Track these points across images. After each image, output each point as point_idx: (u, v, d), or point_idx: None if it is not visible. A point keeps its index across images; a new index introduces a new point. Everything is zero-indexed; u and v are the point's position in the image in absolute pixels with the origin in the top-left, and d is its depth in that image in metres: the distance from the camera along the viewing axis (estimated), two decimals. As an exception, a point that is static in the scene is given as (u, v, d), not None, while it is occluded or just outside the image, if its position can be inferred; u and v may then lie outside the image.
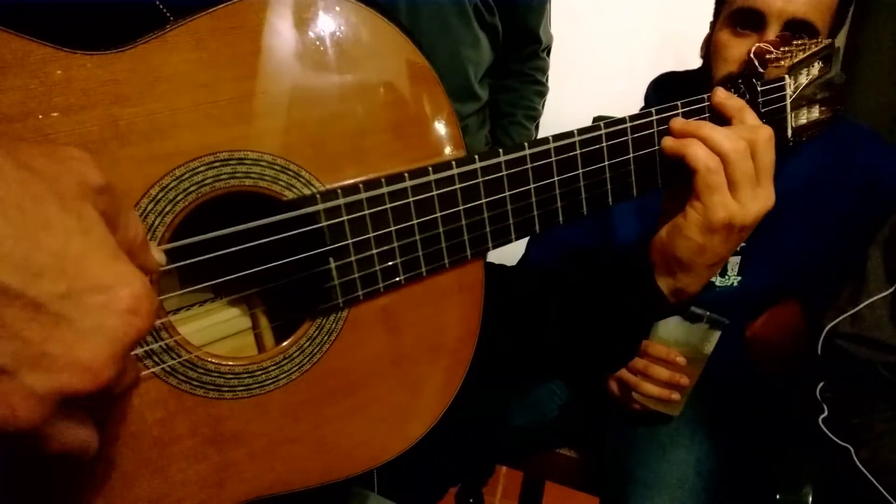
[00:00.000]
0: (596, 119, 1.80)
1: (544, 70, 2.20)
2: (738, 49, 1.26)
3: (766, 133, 0.76)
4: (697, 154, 0.74)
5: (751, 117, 0.77)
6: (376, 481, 0.94)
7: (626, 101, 1.49)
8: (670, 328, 1.26)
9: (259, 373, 0.63)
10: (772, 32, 1.22)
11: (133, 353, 0.41)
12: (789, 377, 1.30)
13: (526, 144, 0.70)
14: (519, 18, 2.03)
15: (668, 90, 1.46)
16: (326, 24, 0.62)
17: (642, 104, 1.50)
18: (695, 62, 1.45)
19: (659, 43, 2.42)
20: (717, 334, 1.24)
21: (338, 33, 0.63)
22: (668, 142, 0.76)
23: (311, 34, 0.61)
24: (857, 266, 1.16)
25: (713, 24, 1.37)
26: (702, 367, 1.26)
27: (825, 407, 1.13)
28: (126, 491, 0.58)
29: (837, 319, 1.12)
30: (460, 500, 1.72)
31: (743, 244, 1.34)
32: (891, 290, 1.10)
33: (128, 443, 0.58)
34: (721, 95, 0.78)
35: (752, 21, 1.25)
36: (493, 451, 1.50)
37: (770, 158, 0.76)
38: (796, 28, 1.22)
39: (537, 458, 1.48)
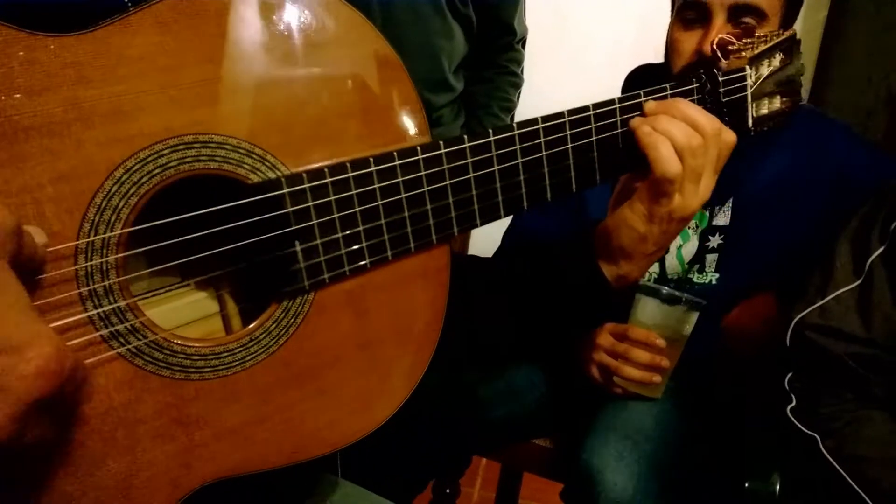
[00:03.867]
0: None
1: (519, 61, 2.20)
2: (687, 43, 1.27)
3: (729, 139, 0.79)
4: (660, 156, 0.76)
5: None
6: (339, 468, 0.95)
7: (606, 93, 1.49)
8: (649, 311, 1.27)
9: (225, 354, 0.64)
10: (718, 21, 1.22)
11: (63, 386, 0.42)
12: (759, 370, 1.31)
13: (491, 131, 0.72)
14: (493, 10, 2.03)
15: (641, 83, 1.46)
16: (292, 10, 0.63)
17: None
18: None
19: (638, 35, 2.42)
20: (695, 315, 1.25)
21: (303, 19, 0.64)
22: (639, 127, 0.79)
23: (276, 19, 0.63)
24: (825, 258, 1.18)
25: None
26: (681, 348, 1.28)
27: (793, 397, 1.14)
28: (94, 470, 0.58)
29: (806, 311, 1.13)
30: (437, 491, 1.72)
31: (720, 241, 1.36)
32: (857, 282, 1.11)
33: (95, 423, 0.58)
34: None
35: (697, 14, 1.25)
36: (471, 442, 1.50)
37: (714, 151, 0.78)
38: (742, 13, 1.21)
39: (514, 448, 1.49)
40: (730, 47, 0.86)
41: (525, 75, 2.25)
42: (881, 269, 1.10)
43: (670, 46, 1.32)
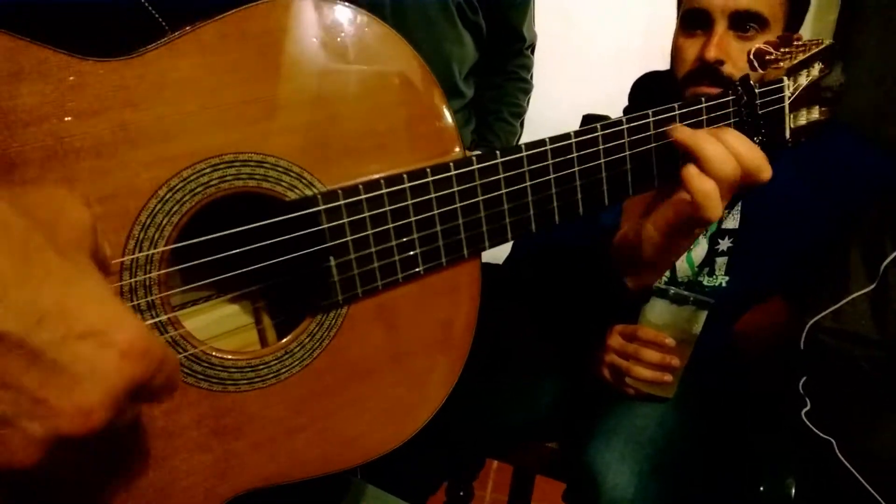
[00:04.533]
0: (585, 117, 1.84)
1: (528, 68, 2.23)
2: (690, 50, 1.28)
3: (764, 176, 0.80)
4: (701, 187, 0.77)
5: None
6: (359, 473, 0.96)
7: (614, 98, 1.51)
8: (658, 311, 1.28)
9: (261, 367, 0.65)
10: (720, 28, 1.23)
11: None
12: (770, 373, 1.32)
13: (523, 146, 0.72)
14: (502, 17, 2.06)
15: (646, 91, 1.48)
16: (328, 30, 0.64)
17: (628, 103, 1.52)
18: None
19: (646, 40, 2.43)
20: (704, 314, 1.26)
21: (339, 38, 0.65)
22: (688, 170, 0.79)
23: (314, 39, 0.63)
24: (838, 262, 1.19)
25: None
26: (691, 347, 1.28)
27: (808, 400, 1.15)
28: (132, 480, 0.60)
29: (820, 315, 1.14)
30: (451, 493, 1.74)
31: (730, 244, 1.37)
32: (871, 286, 1.12)
33: (134, 434, 0.60)
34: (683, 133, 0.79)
35: (699, 21, 1.27)
36: (484, 446, 1.52)
37: (745, 190, 0.80)
38: (744, 20, 1.23)
39: (526, 451, 1.50)
40: (767, 57, 0.86)
41: (534, 81, 2.27)
42: (895, 273, 1.11)
43: (674, 53, 1.34)
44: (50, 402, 0.38)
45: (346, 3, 0.65)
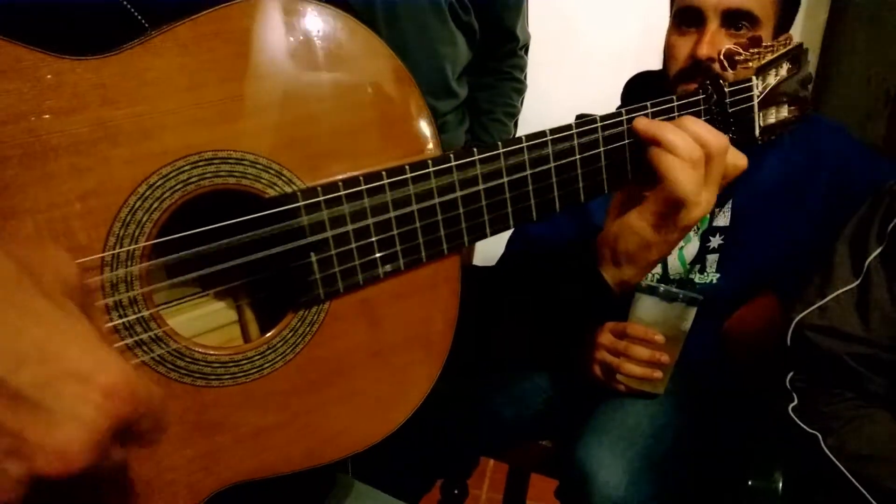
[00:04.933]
0: (578, 117, 1.84)
1: (522, 68, 2.23)
2: (683, 47, 1.31)
3: (737, 162, 0.81)
4: (672, 166, 0.78)
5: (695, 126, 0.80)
6: (349, 467, 0.97)
7: (609, 98, 1.52)
8: (647, 308, 1.29)
9: (244, 362, 0.66)
10: (712, 26, 1.26)
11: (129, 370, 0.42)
12: (760, 369, 1.33)
13: (500, 143, 0.73)
14: (495, 17, 2.06)
15: (637, 91, 1.50)
16: (305, 29, 0.65)
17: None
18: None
19: (642, 40, 2.45)
20: (693, 311, 1.27)
21: (316, 37, 0.66)
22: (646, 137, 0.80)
23: (291, 39, 0.65)
24: (824, 259, 1.20)
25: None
26: (681, 344, 1.30)
27: (795, 396, 1.17)
28: (117, 475, 0.61)
29: (805, 312, 1.16)
30: (445, 491, 1.74)
31: (721, 242, 1.38)
32: (856, 283, 1.13)
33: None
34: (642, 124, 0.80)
35: (692, 18, 1.29)
36: (478, 444, 1.53)
37: (720, 169, 0.80)
38: (736, 19, 1.25)
39: (521, 450, 1.51)
40: (737, 57, 0.88)
41: (529, 81, 2.28)
42: (879, 269, 1.13)
43: (667, 51, 1.36)
44: (31, 443, 0.37)
45: (324, 3, 0.66)
